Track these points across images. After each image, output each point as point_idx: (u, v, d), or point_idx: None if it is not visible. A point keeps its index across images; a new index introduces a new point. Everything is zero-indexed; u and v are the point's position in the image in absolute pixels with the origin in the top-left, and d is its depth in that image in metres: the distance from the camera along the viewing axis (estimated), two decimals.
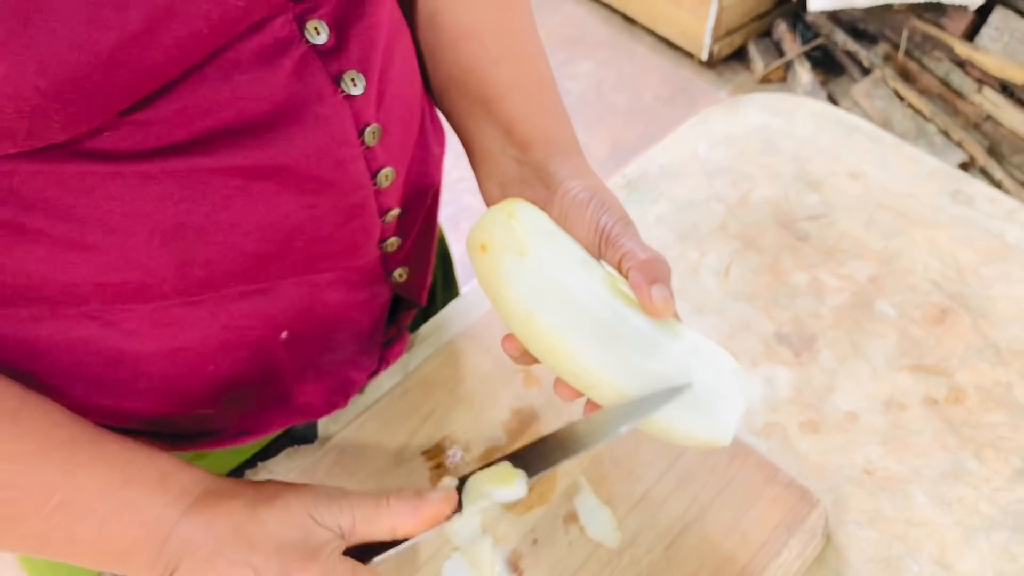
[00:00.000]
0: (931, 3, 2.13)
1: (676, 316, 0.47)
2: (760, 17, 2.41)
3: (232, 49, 0.42)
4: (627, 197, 0.82)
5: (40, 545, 0.44)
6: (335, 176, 0.50)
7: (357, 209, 0.53)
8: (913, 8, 2.19)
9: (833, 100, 2.30)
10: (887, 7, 2.20)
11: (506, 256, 0.47)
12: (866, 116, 2.23)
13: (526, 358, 0.48)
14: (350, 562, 0.46)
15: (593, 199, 0.50)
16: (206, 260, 0.48)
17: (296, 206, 0.49)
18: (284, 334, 0.56)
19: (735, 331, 0.72)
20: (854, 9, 2.24)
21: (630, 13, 2.53)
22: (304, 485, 0.47)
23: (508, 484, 0.47)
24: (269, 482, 0.47)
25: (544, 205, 0.52)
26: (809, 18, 2.35)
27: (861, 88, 2.25)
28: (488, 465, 0.48)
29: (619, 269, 0.47)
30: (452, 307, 0.74)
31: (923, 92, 2.21)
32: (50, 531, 0.43)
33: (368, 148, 0.51)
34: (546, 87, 0.58)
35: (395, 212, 0.57)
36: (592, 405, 0.48)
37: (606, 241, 0.49)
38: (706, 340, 0.47)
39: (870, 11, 2.25)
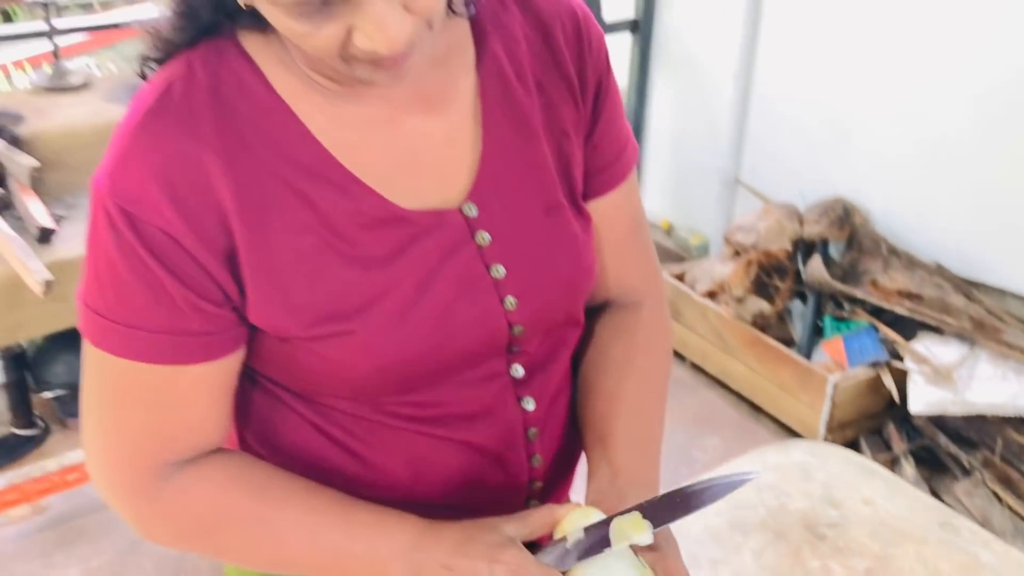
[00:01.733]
0: (1022, 418, 2.42)
1: None
2: (871, 416, 2.74)
3: (466, 372, 0.83)
4: None
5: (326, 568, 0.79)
6: (506, 453, 0.88)
7: (516, 475, 0.89)
8: (1007, 420, 2.47)
9: (936, 495, 2.53)
10: (983, 417, 2.50)
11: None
12: (967, 513, 2.44)
13: None
14: (525, 552, 0.74)
15: None
16: (424, 478, 0.86)
17: (478, 460, 0.87)
18: None
19: None
20: (954, 416, 2.55)
21: (757, 401, 2.92)
22: (486, 519, 0.78)
23: (640, 531, 0.74)
24: (462, 521, 0.78)
25: None
26: (916, 421, 2.66)
27: (962, 487, 2.48)
28: (620, 514, 0.76)
29: None
30: None
31: (1022, 496, 2.42)
32: (334, 560, 0.78)
33: (528, 441, 0.89)
34: (647, 439, 0.90)
35: (538, 484, 0.93)
36: None
37: (658, 557, 0.78)
38: None
39: (969, 419, 2.55)
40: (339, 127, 0.76)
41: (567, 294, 0.86)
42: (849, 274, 2.83)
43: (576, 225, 0.86)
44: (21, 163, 1.94)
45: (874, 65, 2.75)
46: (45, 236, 1.87)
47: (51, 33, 2.25)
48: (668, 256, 3.70)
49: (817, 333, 2.85)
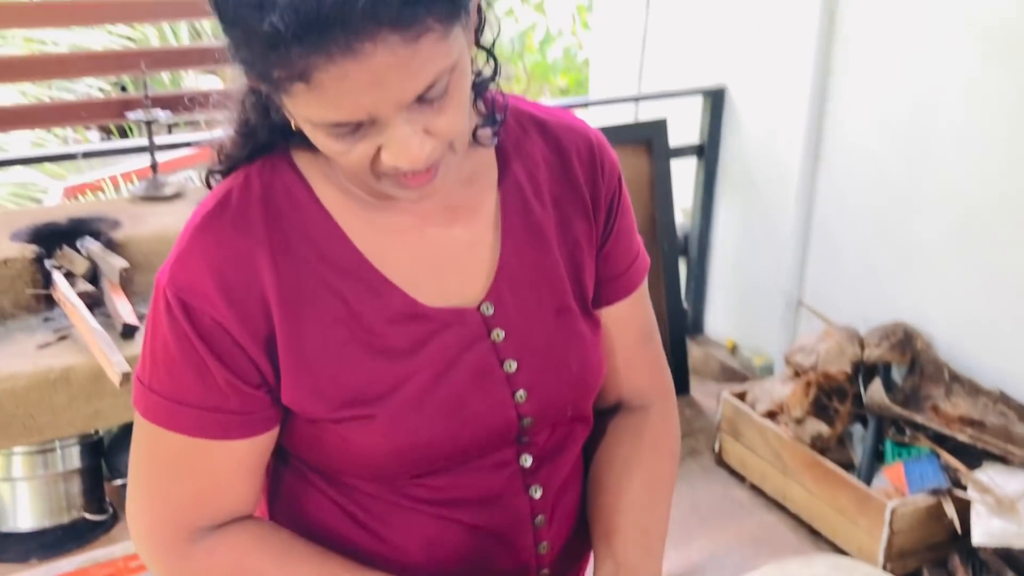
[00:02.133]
0: None
1: None
2: (935, 547, 2.67)
3: (478, 459, 0.90)
4: None
5: None
6: (513, 538, 0.93)
7: (523, 560, 0.94)
8: None
9: None
10: None
11: None
12: None
13: None
14: None
15: None
16: (437, 558, 0.92)
17: (488, 543, 0.92)
18: None
19: None
20: (1022, 550, 2.46)
21: (815, 525, 2.87)
22: None
23: None
24: None
25: None
26: (982, 554, 2.58)
27: None
28: None
29: None
30: None
31: None
32: None
33: (535, 528, 0.95)
34: (651, 535, 0.95)
35: (546, 571, 0.98)
36: None
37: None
38: None
39: None
40: (373, 233, 0.86)
41: (575, 390, 0.93)
42: (911, 399, 2.80)
43: (585, 327, 0.93)
44: (113, 264, 2.10)
45: (935, 190, 2.79)
46: (128, 332, 2.02)
47: (151, 149, 2.46)
48: (732, 376, 3.70)
49: (878, 458, 2.81)
